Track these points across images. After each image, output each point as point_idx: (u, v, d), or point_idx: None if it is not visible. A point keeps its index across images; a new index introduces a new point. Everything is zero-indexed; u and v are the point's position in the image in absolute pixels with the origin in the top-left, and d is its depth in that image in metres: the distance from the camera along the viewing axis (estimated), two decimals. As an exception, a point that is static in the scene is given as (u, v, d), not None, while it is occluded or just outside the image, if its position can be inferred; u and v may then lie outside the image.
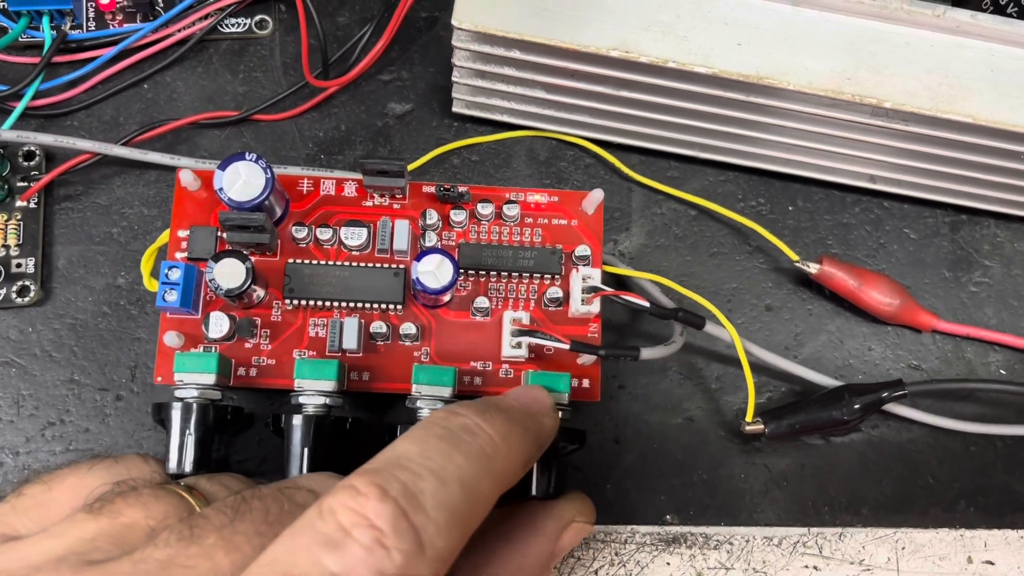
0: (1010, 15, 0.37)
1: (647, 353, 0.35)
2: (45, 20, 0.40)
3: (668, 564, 0.37)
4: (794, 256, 0.39)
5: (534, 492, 0.33)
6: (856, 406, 0.37)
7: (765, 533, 0.38)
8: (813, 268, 0.39)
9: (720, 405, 0.39)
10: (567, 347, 0.34)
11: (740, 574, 0.37)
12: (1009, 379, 0.40)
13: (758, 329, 0.39)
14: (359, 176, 0.38)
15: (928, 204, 0.42)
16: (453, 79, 0.38)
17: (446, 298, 0.36)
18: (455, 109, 0.40)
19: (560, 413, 0.33)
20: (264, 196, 0.34)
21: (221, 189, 0.34)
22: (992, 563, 0.38)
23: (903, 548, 0.38)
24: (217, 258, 0.33)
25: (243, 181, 0.34)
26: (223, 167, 0.34)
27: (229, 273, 0.33)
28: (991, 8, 0.38)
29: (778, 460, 0.38)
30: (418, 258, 0.34)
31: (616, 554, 0.37)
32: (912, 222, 0.42)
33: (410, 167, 0.39)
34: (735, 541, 0.38)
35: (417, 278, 0.34)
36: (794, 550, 0.38)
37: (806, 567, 0.38)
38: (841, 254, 0.41)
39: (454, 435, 0.26)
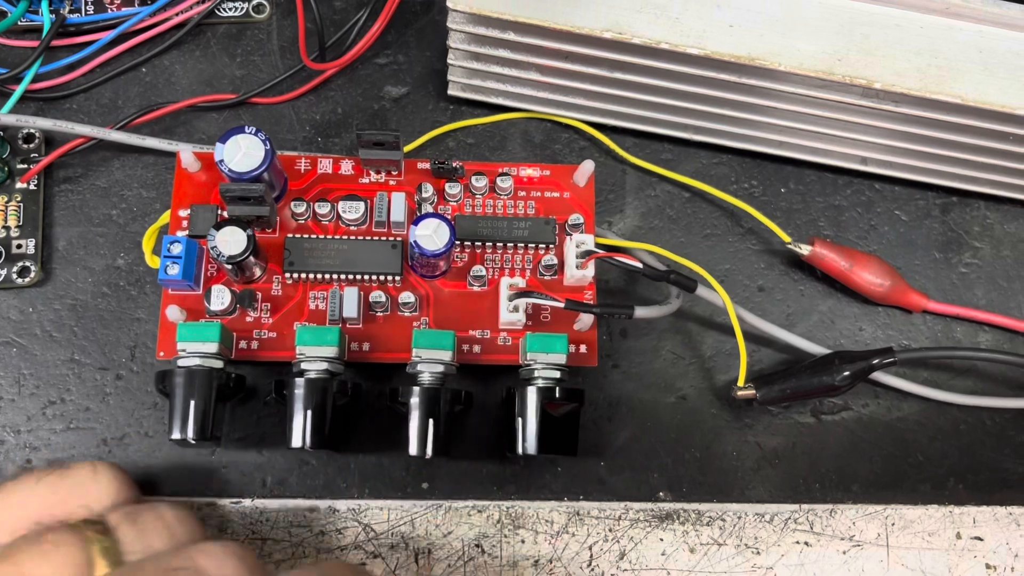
0: (999, -3, 0.37)
1: (641, 312, 0.35)
2: (44, 4, 0.40)
3: (661, 540, 0.38)
4: (786, 238, 0.39)
5: (519, 450, 0.35)
6: (846, 372, 0.37)
7: (757, 510, 0.38)
8: (805, 250, 0.39)
9: (713, 384, 0.39)
10: (562, 305, 0.35)
11: (732, 550, 0.38)
12: (998, 348, 0.41)
13: (750, 309, 0.40)
14: (355, 157, 0.38)
15: (919, 186, 0.42)
16: (449, 62, 0.39)
17: (443, 265, 0.36)
18: (451, 92, 0.41)
19: (559, 374, 0.35)
20: (264, 167, 0.34)
21: (222, 161, 0.34)
22: (981, 539, 0.39)
23: (893, 524, 0.39)
24: (219, 226, 0.34)
25: (243, 153, 0.34)
26: (223, 140, 0.34)
27: (231, 240, 0.34)
28: (981, -10, 0.38)
29: (770, 438, 0.39)
30: (415, 223, 0.34)
31: (610, 530, 0.38)
32: (903, 204, 0.42)
33: (406, 149, 0.40)
34: (727, 517, 0.38)
35: (415, 241, 0.34)
36: (785, 526, 0.38)
37: (797, 543, 0.38)
38: (833, 236, 0.42)
39: None
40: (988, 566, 0.38)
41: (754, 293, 0.41)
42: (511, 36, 0.36)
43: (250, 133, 0.35)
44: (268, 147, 0.35)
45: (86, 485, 0.31)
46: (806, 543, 0.38)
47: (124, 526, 0.30)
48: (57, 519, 0.30)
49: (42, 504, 0.30)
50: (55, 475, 0.31)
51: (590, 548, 0.37)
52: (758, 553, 0.38)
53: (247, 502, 0.37)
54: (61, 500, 0.31)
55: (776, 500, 0.38)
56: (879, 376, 0.39)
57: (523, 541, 0.37)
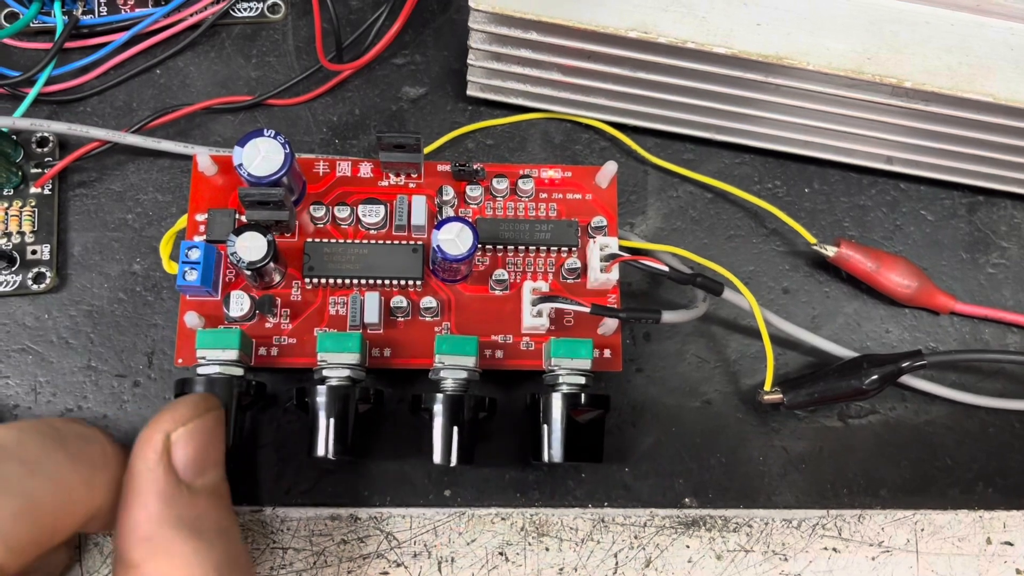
0: (1030, -7, 0.36)
1: (668, 316, 0.35)
2: (57, 5, 0.39)
3: (687, 547, 0.37)
4: (811, 239, 0.39)
5: (545, 458, 0.34)
6: (874, 376, 0.36)
7: (784, 515, 0.38)
8: (830, 251, 0.39)
9: (738, 388, 0.39)
10: (588, 310, 0.34)
11: (759, 556, 0.37)
12: (1028, 352, 0.40)
13: (776, 311, 0.39)
14: (374, 159, 0.38)
15: (945, 185, 0.42)
16: (468, 62, 0.38)
17: (465, 270, 0.36)
18: (470, 92, 0.40)
19: (584, 380, 0.34)
20: (284, 171, 0.34)
21: (241, 165, 0.34)
22: (1011, 544, 0.38)
23: (922, 530, 0.38)
24: (238, 232, 0.33)
25: (262, 156, 0.34)
26: (242, 143, 0.34)
27: (251, 246, 0.33)
28: (1011, -14, 0.37)
29: (796, 442, 0.38)
30: (438, 227, 0.34)
31: (635, 537, 0.37)
32: (929, 204, 0.42)
33: (425, 150, 0.39)
34: (754, 524, 0.38)
35: (438, 246, 0.34)
36: (813, 532, 0.38)
37: (825, 549, 0.38)
38: (858, 236, 0.41)
39: None
40: (1019, 571, 0.38)
41: (779, 295, 0.40)
42: (534, 36, 0.36)
43: (269, 136, 0.34)
44: (287, 150, 0.34)
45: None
46: (834, 549, 0.38)
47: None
48: None
49: None
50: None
51: (615, 556, 0.37)
52: (786, 560, 0.37)
53: (268, 510, 0.36)
54: None
55: (803, 506, 0.38)
56: (906, 379, 0.38)
57: (547, 549, 0.37)
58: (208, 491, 0.31)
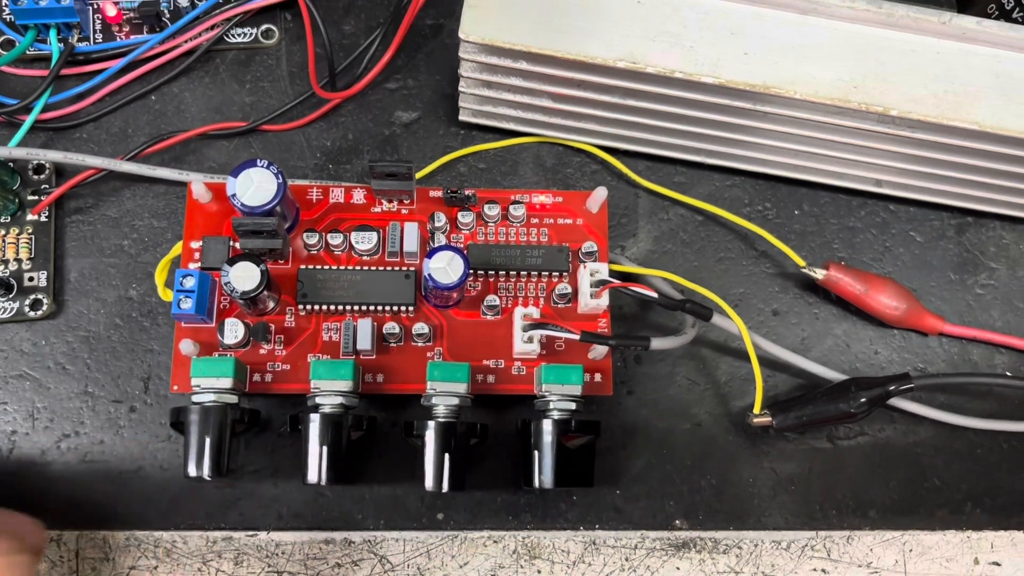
0: (1016, 20, 0.37)
1: (657, 343, 0.35)
2: (52, 33, 0.40)
3: (678, 569, 0.38)
4: (801, 262, 0.39)
5: (536, 484, 0.35)
6: (863, 399, 0.37)
7: (773, 537, 0.38)
8: (819, 274, 0.39)
9: (728, 410, 0.39)
10: (577, 337, 0.34)
11: (749, 578, 0.38)
12: (1016, 373, 0.40)
13: (765, 333, 0.40)
14: (367, 185, 0.38)
15: (934, 207, 0.42)
16: (460, 89, 0.39)
17: (457, 296, 0.36)
18: (462, 117, 0.41)
19: (574, 405, 0.35)
20: (276, 200, 0.34)
21: (234, 195, 0.34)
22: (999, 564, 0.39)
23: (910, 550, 0.38)
24: (232, 262, 0.34)
25: (256, 186, 0.34)
26: (235, 173, 0.34)
27: (244, 276, 0.34)
28: (997, 14, 0.38)
29: (785, 464, 0.39)
30: (429, 255, 0.34)
31: (626, 559, 0.38)
32: (918, 225, 0.42)
33: (418, 175, 0.40)
34: (744, 545, 0.38)
35: (429, 274, 0.34)
36: (802, 553, 0.38)
37: (815, 570, 0.38)
38: (847, 257, 0.41)
39: None
40: (1006, 591, 0.38)
41: (768, 317, 0.41)
42: (523, 65, 0.36)
43: (262, 167, 0.34)
44: (280, 180, 0.34)
45: None
46: (823, 571, 0.38)
47: None
48: None
49: None
50: None
51: (607, 578, 0.37)
52: (775, 581, 0.38)
53: (263, 535, 0.37)
54: None
55: (793, 527, 0.38)
56: (895, 401, 0.39)
57: (539, 571, 0.37)
58: None
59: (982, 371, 0.40)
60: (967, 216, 0.42)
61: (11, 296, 0.38)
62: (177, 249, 0.37)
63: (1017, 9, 0.37)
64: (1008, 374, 0.40)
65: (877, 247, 0.42)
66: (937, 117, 0.35)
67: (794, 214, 0.42)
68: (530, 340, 0.36)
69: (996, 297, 0.42)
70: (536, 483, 0.35)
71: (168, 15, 0.41)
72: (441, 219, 0.38)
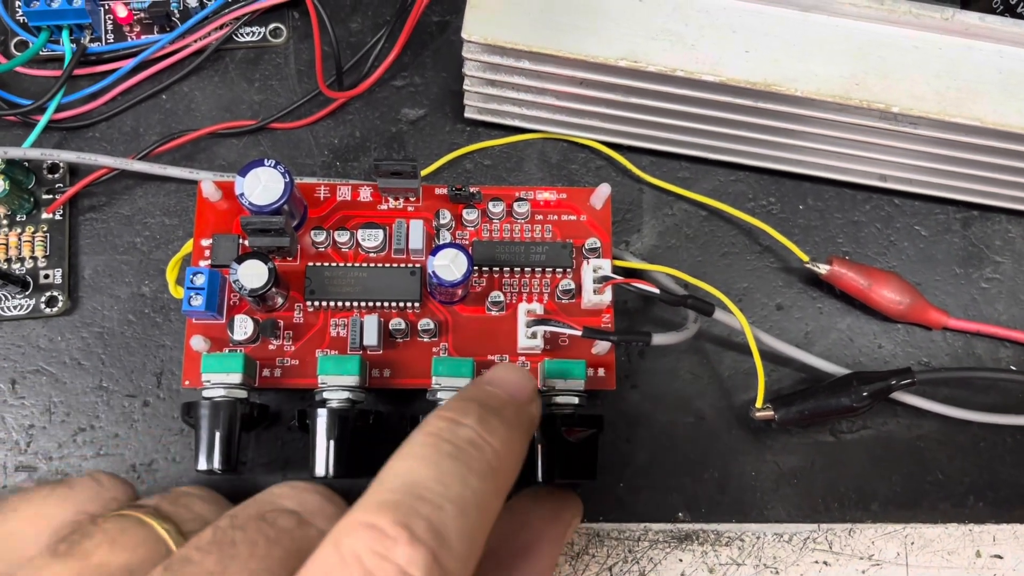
0: (1020, 16, 0.37)
1: (659, 339, 0.36)
2: (65, 34, 0.41)
3: (680, 561, 0.38)
4: (804, 257, 0.39)
5: (540, 477, 0.35)
6: (865, 393, 0.37)
7: (775, 529, 0.39)
8: (823, 269, 0.39)
9: (731, 404, 0.40)
10: (579, 333, 0.35)
11: (751, 570, 0.38)
12: (1019, 367, 0.41)
13: (769, 328, 0.40)
14: (374, 183, 0.38)
15: (939, 201, 0.42)
16: (464, 87, 0.39)
17: (462, 292, 0.37)
18: (467, 115, 0.41)
19: (577, 400, 0.35)
20: (284, 199, 0.35)
21: (242, 194, 0.35)
22: (1000, 557, 0.39)
23: (912, 543, 0.39)
24: (240, 260, 0.35)
25: (263, 186, 0.35)
26: (243, 173, 0.35)
27: (253, 274, 0.35)
28: (1001, 8, 0.38)
29: (788, 457, 0.39)
30: (433, 253, 0.35)
31: (629, 551, 0.38)
32: (923, 219, 0.42)
33: (423, 172, 0.40)
34: (746, 538, 0.39)
35: (433, 272, 0.35)
36: (804, 546, 0.39)
37: (816, 563, 0.38)
38: (852, 252, 0.42)
39: (464, 452, 0.25)
40: (1008, 584, 0.39)
41: (772, 312, 0.41)
42: (526, 64, 0.36)
43: (269, 166, 0.35)
44: (287, 179, 0.35)
45: (95, 490, 0.30)
46: (825, 563, 0.38)
47: (165, 506, 0.29)
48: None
49: (60, 512, 0.29)
50: (62, 487, 0.30)
51: (610, 569, 0.38)
52: (777, 573, 0.38)
53: (273, 526, 0.37)
54: (76, 506, 0.29)
55: (795, 520, 0.39)
56: (898, 394, 0.39)
57: (543, 563, 0.38)
58: None
59: (986, 365, 0.41)
60: (973, 210, 0.42)
61: (28, 293, 0.39)
62: (188, 247, 0.38)
63: (1022, 3, 0.37)
64: (1012, 368, 0.41)
65: (882, 241, 0.42)
66: (939, 114, 0.35)
67: (799, 208, 0.42)
68: (534, 336, 0.36)
69: (1001, 291, 0.42)
70: (540, 477, 0.35)
71: (178, 15, 0.42)
72: (446, 216, 0.38)
